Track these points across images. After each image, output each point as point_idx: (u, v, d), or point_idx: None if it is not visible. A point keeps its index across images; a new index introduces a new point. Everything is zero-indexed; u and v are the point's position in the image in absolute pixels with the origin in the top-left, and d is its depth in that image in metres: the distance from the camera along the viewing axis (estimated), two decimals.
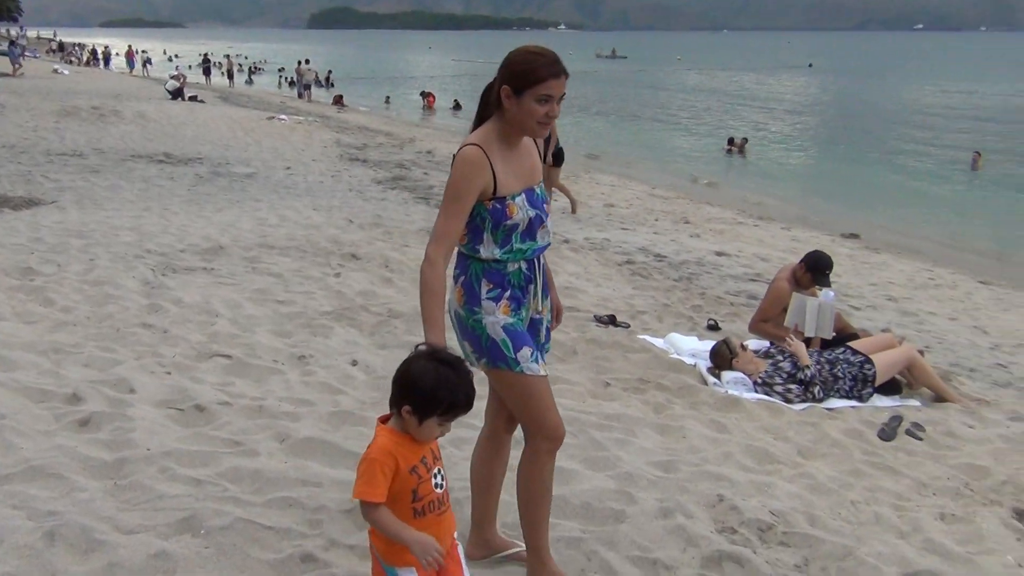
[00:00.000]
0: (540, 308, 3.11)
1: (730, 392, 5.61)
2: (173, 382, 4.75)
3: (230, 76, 48.02)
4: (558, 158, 12.17)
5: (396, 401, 2.43)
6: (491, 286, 2.95)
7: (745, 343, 6.12)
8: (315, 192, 12.71)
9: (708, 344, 6.29)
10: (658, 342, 6.51)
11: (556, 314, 3.34)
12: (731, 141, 25.92)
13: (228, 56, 55.90)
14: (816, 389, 5.64)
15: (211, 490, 3.53)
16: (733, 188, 19.99)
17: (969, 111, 40.27)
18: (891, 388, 5.94)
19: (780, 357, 5.88)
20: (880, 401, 5.80)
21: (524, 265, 3.00)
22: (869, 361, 5.83)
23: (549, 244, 3.10)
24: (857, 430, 5.24)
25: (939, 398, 5.97)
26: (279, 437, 4.12)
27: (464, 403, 2.42)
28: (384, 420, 2.50)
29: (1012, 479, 4.69)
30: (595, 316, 7.00)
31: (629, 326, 6.94)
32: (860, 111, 41.37)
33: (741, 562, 3.41)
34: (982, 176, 22.43)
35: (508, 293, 2.95)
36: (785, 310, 6.44)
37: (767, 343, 6.42)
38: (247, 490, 3.57)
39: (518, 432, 3.20)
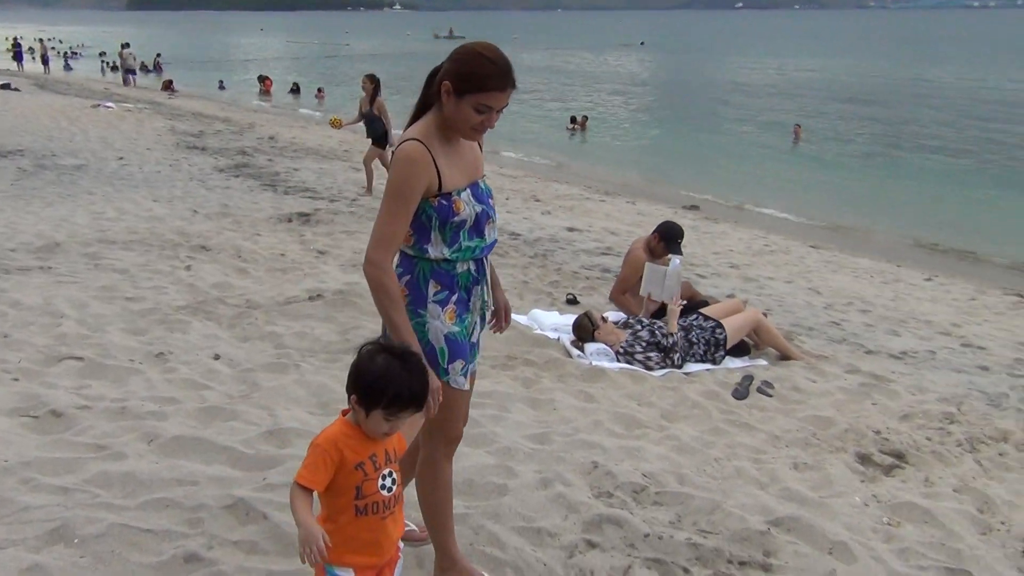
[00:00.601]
0: (485, 309, 3.00)
1: (594, 363, 5.80)
2: (22, 388, 4.47)
3: (44, 62, 44.78)
4: (381, 139, 12.33)
5: (347, 389, 2.37)
6: (439, 287, 2.82)
7: (605, 315, 6.33)
8: (153, 183, 12.13)
9: (569, 318, 6.48)
10: (521, 319, 6.64)
11: (504, 314, 3.25)
12: (573, 120, 26.48)
13: (41, 40, 52.11)
14: (676, 356, 5.92)
15: (80, 497, 3.36)
16: (577, 165, 20.48)
17: (788, 87, 42.66)
18: (740, 350, 6.31)
19: (639, 327, 6.13)
20: (732, 363, 6.15)
21: (472, 266, 2.88)
22: (720, 326, 6.16)
23: (496, 241, 2.98)
24: (714, 391, 5.53)
25: (784, 356, 6.39)
26: (147, 438, 3.96)
27: (409, 397, 2.33)
28: (346, 412, 2.43)
29: (852, 427, 5.09)
30: None
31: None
32: (691, 87, 43.11)
33: (620, 523, 3.56)
34: (803, 148, 23.90)
35: (456, 296, 2.83)
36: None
37: (624, 314, 6.66)
38: (119, 495, 3.42)
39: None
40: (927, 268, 11.88)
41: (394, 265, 2.74)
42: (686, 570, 3.28)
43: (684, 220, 13.46)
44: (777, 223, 14.56)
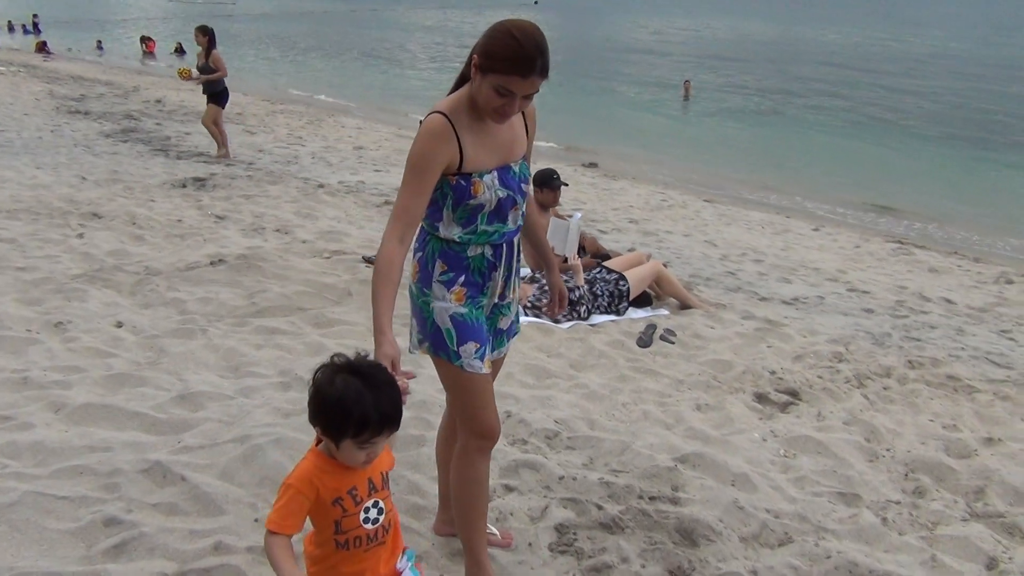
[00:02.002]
0: (508, 295, 2.83)
1: None
2: None
3: None
4: (220, 96, 11.82)
5: (311, 420, 2.12)
6: (445, 268, 2.67)
7: None
8: (35, 150, 11.57)
9: None
10: None
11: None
12: None
13: None
14: (582, 308, 6.07)
15: None
16: None
17: (677, 45, 43.38)
18: (643, 300, 6.51)
19: (543, 281, 6.25)
20: (635, 313, 6.34)
21: (489, 250, 2.70)
22: (623, 278, 6.34)
23: (520, 227, 2.80)
24: (619, 341, 5.72)
25: (684, 305, 6.63)
26: (53, 407, 3.87)
27: (378, 420, 2.02)
28: (319, 441, 2.17)
29: (750, 368, 5.35)
30: (364, 257, 7.04)
31: None
32: (584, 47, 43.31)
33: (536, 467, 3.69)
34: (693, 104, 24.44)
35: (464, 278, 2.67)
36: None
37: (529, 269, 6.78)
38: (29, 464, 3.35)
39: None
40: (814, 219, 12.41)
41: (413, 239, 2.59)
42: (599, 507, 3.43)
43: (583, 178, 13.69)
44: (673, 178, 14.91)
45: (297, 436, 3.71)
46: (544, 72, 2.50)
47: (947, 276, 9.39)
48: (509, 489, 3.53)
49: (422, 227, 2.71)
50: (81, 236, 7.13)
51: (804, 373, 5.39)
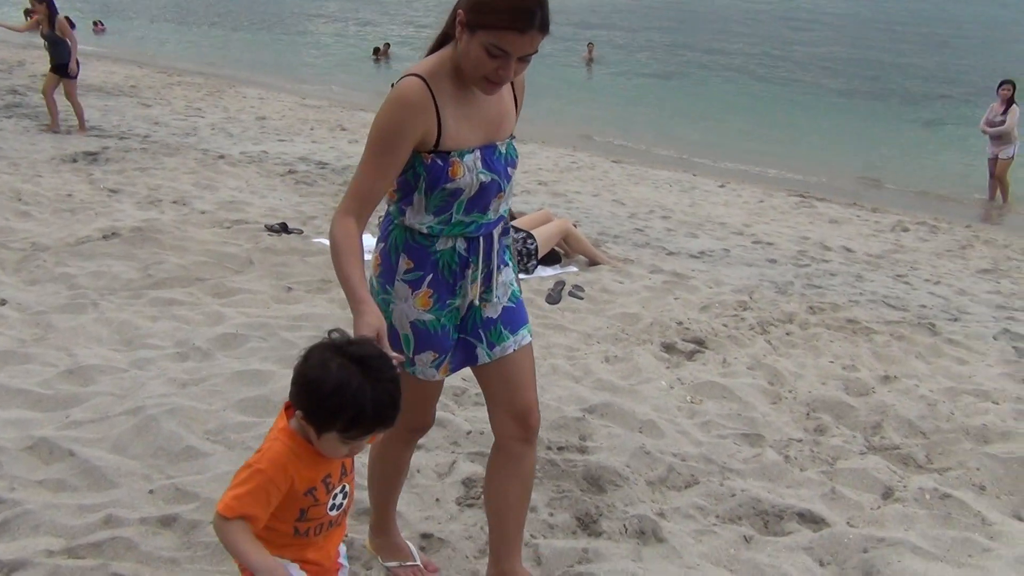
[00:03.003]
0: (491, 294, 2.43)
1: None
2: None
3: None
4: (64, 68, 11.27)
5: (292, 399, 1.87)
6: (411, 265, 2.32)
7: None
8: None
9: None
10: None
11: None
12: (376, 50, 25.91)
13: None
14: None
15: None
16: (384, 93, 20.10)
17: (574, 7, 43.46)
18: (551, 259, 6.50)
19: None
20: (544, 271, 6.34)
21: (462, 243, 2.33)
22: (531, 236, 6.31)
23: (503, 218, 2.43)
24: (528, 298, 5.69)
25: (592, 262, 6.65)
26: None
27: (373, 416, 1.81)
28: (289, 411, 1.92)
29: (657, 320, 5.40)
30: (266, 225, 6.85)
31: (303, 232, 6.88)
32: None
33: (443, 424, 3.65)
34: (596, 67, 24.55)
35: (431, 278, 2.32)
36: None
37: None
38: None
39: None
40: (720, 176, 12.61)
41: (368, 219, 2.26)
42: None
43: None
44: (581, 141, 14.95)
45: (194, 405, 3.58)
46: (544, 27, 2.12)
47: (847, 226, 9.66)
48: (417, 447, 3.48)
49: (387, 210, 2.38)
50: None
51: (710, 322, 5.46)
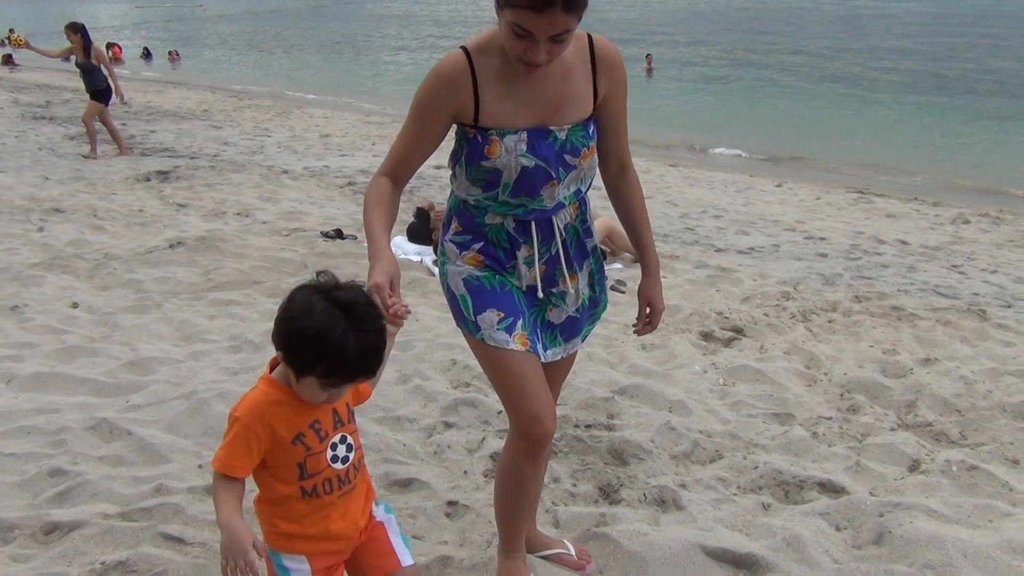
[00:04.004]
0: (557, 283, 2.35)
1: None
2: None
3: None
4: (102, 94, 11.33)
5: (273, 339, 1.81)
6: (460, 228, 2.30)
7: None
8: None
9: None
10: None
11: (652, 313, 2.53)
12: None
13: None
14: None
15: None
16: None
17: (633, 17, 43.40)
18: None
19: None
20: None
21: (511, 223, 2.27)
22: None
23: (561, 205, 2.28)
24: None
25: (637, 259, 6.74)
26: (3, 379, 3.96)
27: (356, 364, 1.74)
28: (275, 364, 1.87)
29: (697, 311, 5.47)
30: (322, 232, 7.13)
31: (356, 237, 7.15)
32: None
33: (475, 405, 3.81)
34: (656, 77, 24.52)
35: (481, 245, 2.28)
36: None
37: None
38: None
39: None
40: (778, 177, 12.53)
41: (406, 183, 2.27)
42: None
43: None
44: (636, 148, 14.99)
45: (243, 390, 3.74)
46: (570, 6, 1.96)
47: (904, 220, 9.54)
48: (448, 425, 3.65)
49: (452, 170, 2.31)
50: (41, 230, 7.19)
51: (751, 312, 5.51)
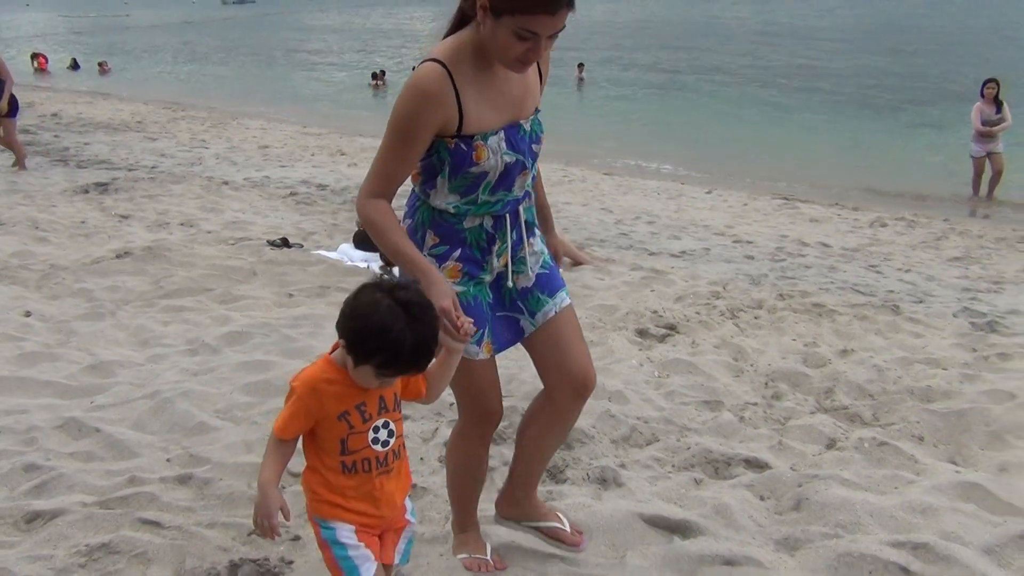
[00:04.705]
0: (523, 265, 2.49)
1: None
2: None
3: None
4: (11, 108, 10.80)
5: (337, 326, 1.99)
6: (437, 240, 2.36)
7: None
8: None
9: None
10: (332, 255, 6.97)
11: (564, 255, 2.75)
12: (374, 75, 26.51)
13: None
14: None
15: None
16: (382, 119, 20.65)
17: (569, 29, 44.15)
18: None
19: None
20: None
21: (489, 221, 2.37)
22: None
23: (528, 194, 2.46)
24: None
25: (575, 263, 7.05)
26: None
27: (410, 358, 1.94)
28: (335, 348, 2.05)
29: (633, 310, 5.79)
30: (268, 241, 7.28)
31: (303, 246, 7.32)
32: None
33: None
34: (587, 86, 25.06)
35: (459, 252, 2.36)
36: None
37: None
38: None
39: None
40: (707, 183, 13.02)
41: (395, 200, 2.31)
42: None
43: None
44: (574, 157, 15.38)
45: (204, 389, 4.00)
46: (571, 2, 2.11)
47: (826, 224, 10.05)
48: (404, 417, 3.87)
49: (412, 189, 2.41)
50: None
51: (683, 310, 5.85)
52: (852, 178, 13.46)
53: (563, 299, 2.57)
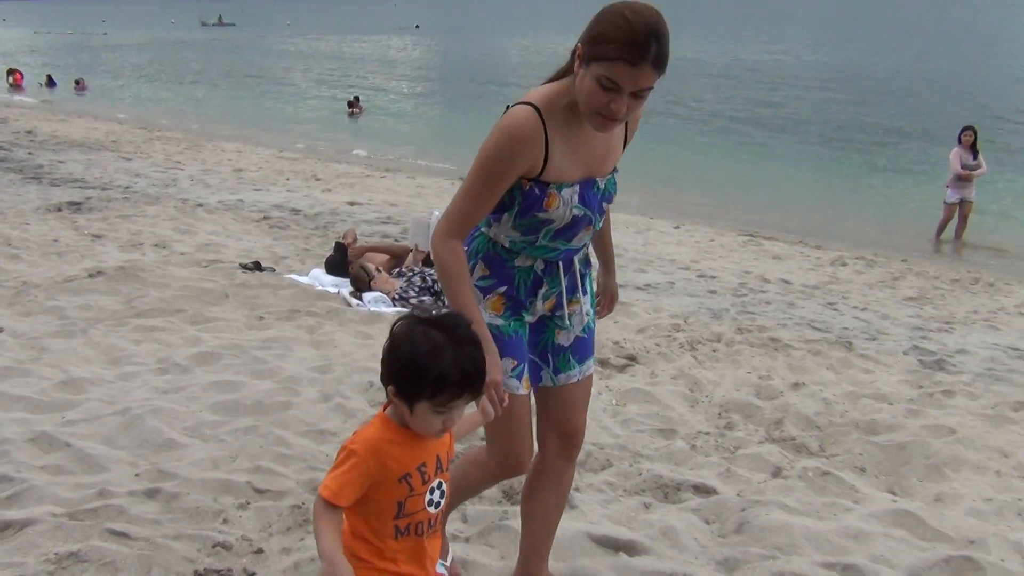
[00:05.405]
0: (563, 308, 2.53)
1: (372, 309, 6.38)
2: None
3: None
4: None
5: (383, 380, 1.93)
6: (486, 272, 2.41)
7: (379, 267, 6.92)
8: None
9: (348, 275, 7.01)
10: (303, 279, 7.09)
11: (609, 302, 2.88)
12: (350, 103, 26.73)
13: None
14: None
15: None
16: (358, 145, 20.85)
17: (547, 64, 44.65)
18: None
19: (411, 273, 6.76)
20: None
21: (540, 264, 2.42)
22: None
23: (586, 245, 2.52)
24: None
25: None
26: None
27: (458, 379, 1.84)
28: (387, 406, 1.99)
29: (595, 341, 5.95)
30: (240, 264, 7.40)
31: (275, 270, 7.43)
32: (464, 69, 44.17)
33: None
34: None
35: (505, 289, 2.40)
36: None
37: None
38: None
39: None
40: (677, 219, 13.29)
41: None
42: None
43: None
44: None
45: (174, 407, 4.11)
46: (659, 63, 2.12)
47: (789, 261, 10.32)
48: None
49: (491, 216, 2.41)
50: None
51: (644, 342, 6.04)
52: (816, 217, 13.80)
53: (588, 368, 2.66)
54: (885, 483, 4.06)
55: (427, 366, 1.81)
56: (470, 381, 1.87)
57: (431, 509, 1.96)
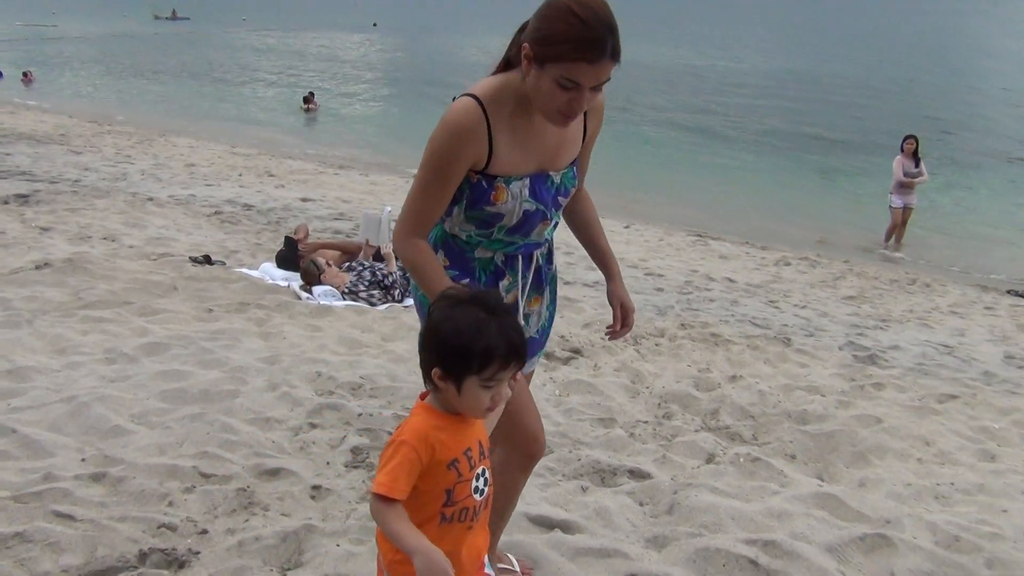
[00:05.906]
0: (521, 306, 2.48)
1: (322, 303, 6.44)
2: None
3: None
4: None
5: (425, 368, 1.90)
6: (447, 262, 2.39)
7: (329, 261, 6.98)
8: None
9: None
10: (253, 273, 7.13)
11: (624, 315, 2.64)
12: (305, 99, 26.59)
13: None
14: (396, 291, 6.69)
15: None
16: (312, 141, 20.79)
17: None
18: None
19: (360, 268, 6.83)
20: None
21: (500, 257, 2.41)
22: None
23: (548, 240, 2.50)
24: (413, 325, 6.36)
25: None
26: None
27: (506, 348, 1.83)
28: (424, 396, 1.97)
29: None
30: (190, 257, 7.41)
31: (225, 263, 7.46)
32: (420, 67, 44.13)
33: (338, 409, 4.27)
34: None
35: (467, 281, 2.38)
36: None
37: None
38: None
39: None
40: (627, 219, 13.49)
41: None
42: (389, 432, 4.04)
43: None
44: None
45: (120, 395, 4.15)
46: (616, 55, 2.10)
47: (735, 261, 10.57)
48: (313, 426, 4.10)
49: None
50: None
51: (589, 336, 6.19)
52: (764, 218, 14.11)
53: (532, 364, 2.64)
54: (813, 469, 4.25)
55: (472, 341, 1.81)
56: (515, 350, 1.86)
57: (477, 496, 1.94)
